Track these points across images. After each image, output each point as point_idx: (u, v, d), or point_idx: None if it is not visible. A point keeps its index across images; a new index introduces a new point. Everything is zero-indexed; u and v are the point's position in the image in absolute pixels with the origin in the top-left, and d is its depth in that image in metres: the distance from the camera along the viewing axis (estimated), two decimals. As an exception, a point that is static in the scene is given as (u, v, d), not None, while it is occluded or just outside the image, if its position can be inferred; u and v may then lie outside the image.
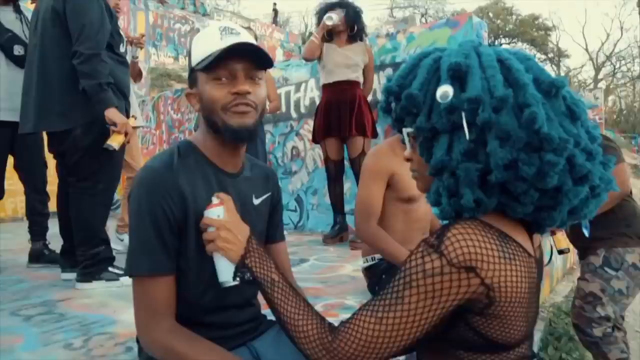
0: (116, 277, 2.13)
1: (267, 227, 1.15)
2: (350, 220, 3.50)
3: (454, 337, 0.76)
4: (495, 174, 0.71)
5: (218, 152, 1.01)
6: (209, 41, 0.96)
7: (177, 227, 0.93)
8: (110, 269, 2.14)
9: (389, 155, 1.85)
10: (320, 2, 3.70)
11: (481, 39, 3.38)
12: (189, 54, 1.01)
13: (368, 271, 1.99)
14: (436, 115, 0.74)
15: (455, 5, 34.84)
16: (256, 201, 1.08)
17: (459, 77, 0.73)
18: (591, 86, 25.07)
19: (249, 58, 0.95)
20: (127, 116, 2.17)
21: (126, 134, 2.04)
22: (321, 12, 3.38)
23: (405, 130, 0.82)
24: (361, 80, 3.31)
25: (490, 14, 25.19)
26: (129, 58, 3.23)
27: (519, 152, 0.69)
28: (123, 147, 2.10)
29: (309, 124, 3.97)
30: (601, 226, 2.07)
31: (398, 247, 1.77)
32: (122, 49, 2.25)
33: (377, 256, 1.90)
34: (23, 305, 1.93)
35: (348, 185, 3.65)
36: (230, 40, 0.94)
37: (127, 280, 1.90)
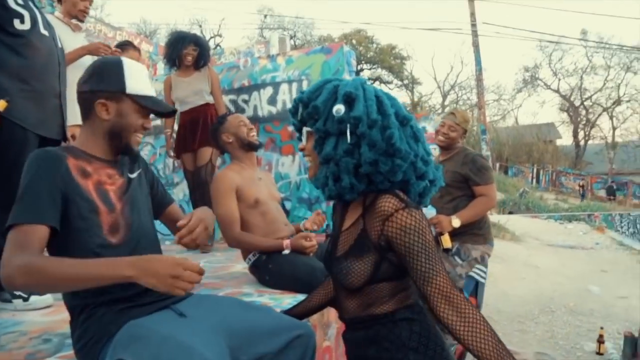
0: (10, 298, 1.88)
1: (157, 196, 1.46)
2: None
3: (385, 273, 1.09)
4: (364, 167, 1.08)
5: (100, 147, 1.29)
6: (144, 81, 1.30)
7: (62, 194, 1.14)
8: None
9: (230, 175, 2.28)
10: (172, 32, 3.89)
11: (350, 65, 3.90)
12: (114, 76, 1.26)
13: (253, 268, 2.28)
14: (330, 123, 1.10)
15: (322, 30, 36.97)
16: (132, 175, 1.36)
17: (349, 101, 1.09)
18: (439, 111, 28.52)
19: None
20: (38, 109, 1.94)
21: None
22: (173, 44, 3.58)
23: (305, 129, 1.18)
24: (211, 100, 3.60)
25: (354, 41, 27.25)
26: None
27: (380, 155, 1.08)
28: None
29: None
30: (461, 225, 2.61)
31: (260, 239, 2.21)
32: (22, 26, 1.93)
33: (257, 252, 2.25)
34: None
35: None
36: (154, 92, 1.32)
37: (21, 305, 1.87)
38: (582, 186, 23.99)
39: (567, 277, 7.18)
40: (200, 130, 3.48)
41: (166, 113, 1.36)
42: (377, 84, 28.62)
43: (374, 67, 29.72)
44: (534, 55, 45.51)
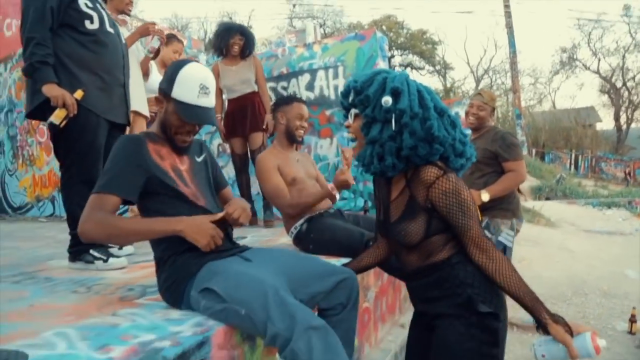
0: (92, 260, 2.18)
1: (216, 179, 1.71)
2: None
3: (436, 228, 1.33)
4: (405, 151, 1.30)
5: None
6: (190, 91, 1.49)
7: (145, 171, 1.43)
8: (91, 251, 2.20)
9: (272, 156, 2.55)
10: (219, 23, 4.09)
11: (383, 51, 4.07)
12: (171, 80, 1.50)
13: (297, 239, 2.50)
14: (377, 111, 1.32)
15: (352, 18, 36.88)
16: (199, 159, 1.64)
17: (395, 94, 1.30)
18: (472, 96, 28.03)
19: None
20: (105, 96, 2.23)
21: (68, 108, 2.06)
22: (221, 34, 3.81)
23: (353, 110, 1.40)
24: (256, 89, 3.85)
25: (384, 27, 27.06)
26: (141, 51, 3.27)
27: (419, 142, 1.30)
28: (69, 122, 2.09)
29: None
30: (490, 200, 2.78)
31: (309, 194, 2.43)
32: (92, 25, 2.24)
33: (297, 224, 2.46)
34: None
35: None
36: (204, 102, 1.50)
37: (101, 265, 2.17)
38: (629, 173, 23.16)
39: (603, 261, 7.13)
40: (249, 116, 3.74)
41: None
42: (408, 71, 28.34)
43: (404, 52, 29.44)
44: (572, 35, 44.01)
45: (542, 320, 1.23)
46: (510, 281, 1.24)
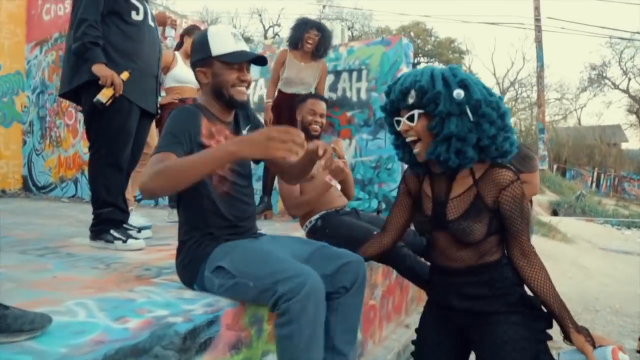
0: (112, 240, 2.25)
1: None
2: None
3: (495, 228, 1.38)
4: (484, 141, 1.32)
5: (216, 108, 1.58)
6: (226, 41, 1.52)
7: (191, 141, 1.44)
8: (112, 231, 2.26)
9: None
10: (298, 18, 4.01)
11: (408, 57, 4.10)
12: (202, 45, 1.53)
13: (310, 233, 2.54)
14: (450, 105, 1.31)
15: (380, 22, 36.80)
16: (244, 132, 1.68)
17: (464, 86, 1.32)
18: (496, 107, 27.67)
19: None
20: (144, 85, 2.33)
21: (115, 88, 2.18)
22: (297, 27, 3.76)
23: (417, 111, 1.36)
24: (312, 92, 3.75)
25: (412, 34, 26.95)
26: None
27: (498, 130, 1.33)
28: (114, 102, 2.19)
29: (259, 117, 4.47)
30: None
31: (312, 194, 2.38)
32: (137, 17, 2.35)
33: (312, 219, 2.46)
34: (25, 249, 2.20)
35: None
36: (242, 46, 1.53)
37: (120, 245, 2.25)
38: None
39: (617, 280, 7.02)
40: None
41: (252, 60, 1.55)
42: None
43: (431, 60, 29.24)
44: (603, 53, 42.59)
45: (566, 328, 1.28)
46: (543, 287, 1.31)
